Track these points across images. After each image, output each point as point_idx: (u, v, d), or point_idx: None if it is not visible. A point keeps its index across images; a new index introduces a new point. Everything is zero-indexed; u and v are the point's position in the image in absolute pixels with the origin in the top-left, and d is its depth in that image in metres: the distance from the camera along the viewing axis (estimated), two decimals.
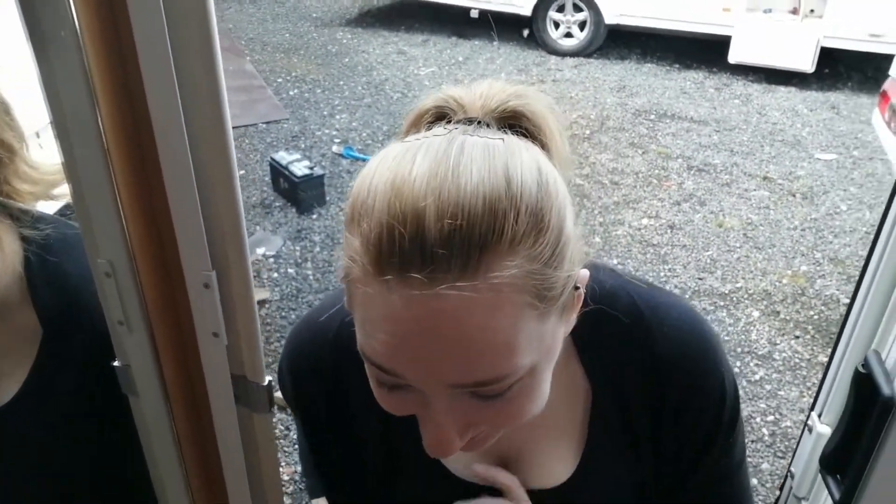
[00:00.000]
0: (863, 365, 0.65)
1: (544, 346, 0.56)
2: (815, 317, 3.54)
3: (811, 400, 3.31)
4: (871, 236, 3.93)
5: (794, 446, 0.87)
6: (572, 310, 0.61)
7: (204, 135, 0.62)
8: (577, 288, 0.59)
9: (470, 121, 0.59)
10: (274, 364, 3.18)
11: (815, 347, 3.34)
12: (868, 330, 0.69)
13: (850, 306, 0.75)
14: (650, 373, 0.72)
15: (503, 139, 0.56)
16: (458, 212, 0.49)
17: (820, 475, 0.73)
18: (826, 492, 0.77)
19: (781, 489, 0.90)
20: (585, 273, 0.61)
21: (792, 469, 0.86)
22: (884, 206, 0.74)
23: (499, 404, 0.56)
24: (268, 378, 0.77)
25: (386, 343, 0.53)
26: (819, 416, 0.81)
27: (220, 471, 0.84)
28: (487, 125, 0.59)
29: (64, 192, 0.72)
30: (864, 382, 0.64)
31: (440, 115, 0.62)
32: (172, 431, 0.80)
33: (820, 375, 3.50)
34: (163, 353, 0.74)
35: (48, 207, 0.96)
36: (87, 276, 0.72)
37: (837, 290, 3.72)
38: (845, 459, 0.68)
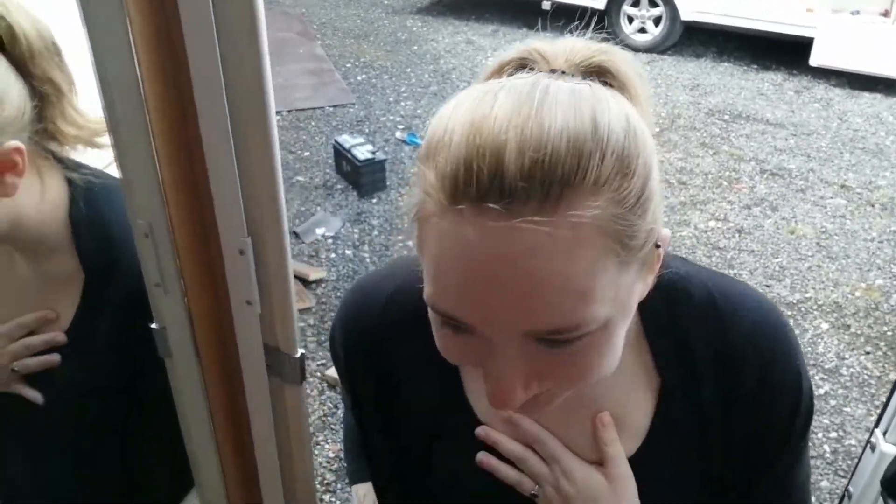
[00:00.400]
0: None
1: (620, 299, 0.53)
2: (889, 333, 3.36)
3: None
4: None
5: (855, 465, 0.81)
6: (651, 269, 0.58)
7: (244, 102, 0.60)
8: (658, 246, 0.56)
9: (553, 72, 0.57)
10: (328, 342, 3.22)
11: (886, 365, 3.17)
12: None
13: None
14: (723, 362, 0.69)
15: (590, 86, 0.54)
16: (541, 148, 0.47)
17: (881, 497, 0.67)
18: None
19: None
20: (667, 232, 0.58)
21: (850, 488, 0.80)
22: None
23: (567, 357, 0.53)
24: (300, 351, 0.76)
25: (457, 284, 0.51)
26: (884, 434, 0.75)
27: (251, 439, 0.83)
28: (572, 76, 0.57)
29: (108, 142, 0.74)
30: None
31: (522, 66, 0.60)
32: (205, 396, 0.80)
33: None
34: (197, 318, 0.74)
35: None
36: (129, 228, 0.73)
37: None
38: None
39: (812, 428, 3.07)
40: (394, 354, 0.77)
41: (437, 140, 0.52)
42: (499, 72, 0.61)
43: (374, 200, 4.37)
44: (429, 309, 0.56)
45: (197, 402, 0.80)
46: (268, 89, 0.61)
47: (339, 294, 3.54)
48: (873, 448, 0.75)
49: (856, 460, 2.88)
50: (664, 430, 0.71)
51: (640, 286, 0.57)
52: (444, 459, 0.78)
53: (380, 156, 4.49)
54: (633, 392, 0.72)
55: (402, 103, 5.82)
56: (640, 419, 0.72)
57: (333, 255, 3.85)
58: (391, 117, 5.56)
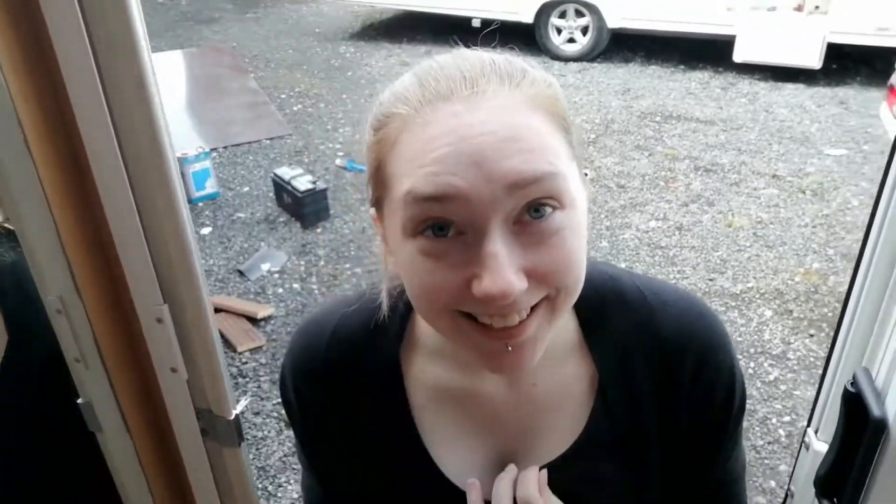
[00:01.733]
0: (851, 383, 0.61)
1: (574, 187, 0.60)
2: (830, 314, 3.47)
3: None
4: None
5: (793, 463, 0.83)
6: (587, 187, 0.65)
7: (143, 163, 0.59)
8: (585, 174, 0.66)
9: None
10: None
11: (829, 346, 3.27)
12: (858, 346, 0.65)
13: (839, 319, 0.71)
14: (658, 355, 0.73)
15: None
16: (488, 62, 0.60)
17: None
18: None
19: None
20: (588, 174, 0.68)
21: (791, 488, 0.82)
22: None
23: (547, 239, 0.57)
24: (234, 412, 0.75)
25: (442, 157, 0.56)
26: (815, 432, 0.77)
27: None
28: None
29: None
30: (853, 402, 0.60)
31: None
32: (140, 468, 0.78)
33: None
34: (122, 390, 0.72)
35: None
36: None
37: None
38: (840, 482, 0.64)
39: (765, 414, 3.12)
40: (345, 385, 0.77)
41: (390, 102, 0.62)
42: None
43: (319, 230, 4.33)
44: (407, 221, 0.59)
45: (133, 474, 0.78)
46: (164, 143, 0.59)
47: (289, 330, 3.48)
48: (807, 447, 0.77)
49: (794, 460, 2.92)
50: (601, 425, 0.74)
51: (583, 192, 0.63)
52: (396, 489, 0.78)
53: (321, 185, 4.46)
54: (573, 393, 0.75)
55: (341, 130, 5.80)
56: (578, 414, 0.75)
57: (281, 290, 3.79)
58: (330, 145, 5.53)
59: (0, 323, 0.90)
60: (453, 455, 0.76)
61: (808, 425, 0.78)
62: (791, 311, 3.50)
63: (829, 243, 4.02)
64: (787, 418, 2.92)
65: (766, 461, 2.73)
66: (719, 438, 0.76)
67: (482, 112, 0.56)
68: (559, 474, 0.74)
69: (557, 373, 0.74)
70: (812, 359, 3.20)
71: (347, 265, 4.00)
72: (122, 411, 0.73)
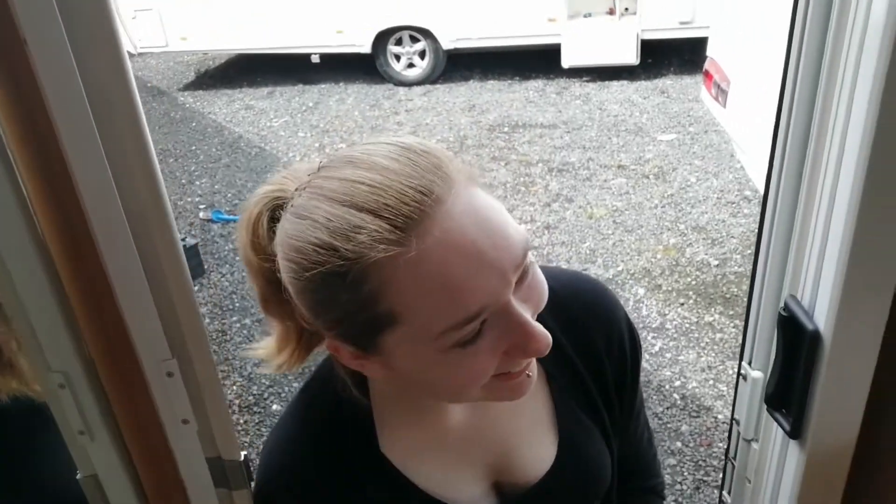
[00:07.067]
0: (784, 309, 0.74)
1: None
2: (693, 282, 3.82)
3: (709, 359, 3.48)
4: (723, 201, 4.23)
5: (733, 396, 0.96)
6: None
7: (145, 217, 0.61)
8: None
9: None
10: None
11: (699, 310, 3.60)
12: (776, 279, 0.78)
13: (755, 261, 0.84)
14: (576, 330, 0.85)
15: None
16: (412, 162, 0.60)
17: (767, 414, 0.82)
18: (772, 430, 0.86)
19: (729, 437, 0.98)
20: None
21: (736, 416, 0.94)
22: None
23: (533, 285, 0.64)
24: (243, 453, 0.76)
25: (457, 280, 0.57)
26: (749, 363, 0.90)
27: None
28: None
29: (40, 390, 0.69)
30: (788, 324, 0.73)
31: (276, 207, 0.67)
32: None
33: (710, 335, 3.68)
34: (134, 454, 0.72)
35: None
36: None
37: (706, 254, 4.04)
38: (787, 395, 0.77)
39: (658, 383, 3.36)
40: (333, 478, 0.78)
41: (330, 239, 0.58)
42: (257, 226, 0.68)
43: (197, 288, 4.18)
44: (442, 343, 0.60)
45: None
46: (165, 199, 0.62)
47: None
48: (745, 378, 0.90)
49: (704, 399, 3.17)
50: (567, 415, 0.84)
51: None
52: None
53: (189, 241, 4.31)
54: (534, 392, 0.79)
55: (197, 182, 5.63)
56: (547, 414, 0.84)
57: None
58: (189, 199, 5.36)
59: None
60: (447, 486, 0.80)
61: (741, 360, 0.91)
62: (660, 286, 3.83)
63: (679, 219, 4.43)
64: (677, 383, 3.18)
65: (668, 425, 2.96)
66: (636, 381, 0.91)
67: (459, 216, 0.57)
68: (554, 480, 0.83)
69: None
70: (687, 325, 3.51)
71: (235, 318, 3.90)
72: (136, 476, 0.72)
